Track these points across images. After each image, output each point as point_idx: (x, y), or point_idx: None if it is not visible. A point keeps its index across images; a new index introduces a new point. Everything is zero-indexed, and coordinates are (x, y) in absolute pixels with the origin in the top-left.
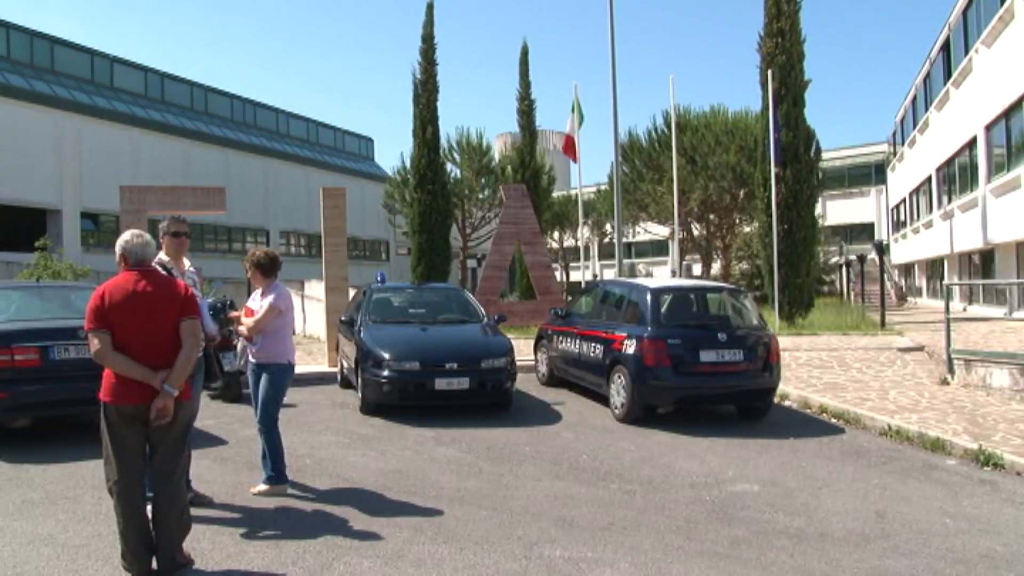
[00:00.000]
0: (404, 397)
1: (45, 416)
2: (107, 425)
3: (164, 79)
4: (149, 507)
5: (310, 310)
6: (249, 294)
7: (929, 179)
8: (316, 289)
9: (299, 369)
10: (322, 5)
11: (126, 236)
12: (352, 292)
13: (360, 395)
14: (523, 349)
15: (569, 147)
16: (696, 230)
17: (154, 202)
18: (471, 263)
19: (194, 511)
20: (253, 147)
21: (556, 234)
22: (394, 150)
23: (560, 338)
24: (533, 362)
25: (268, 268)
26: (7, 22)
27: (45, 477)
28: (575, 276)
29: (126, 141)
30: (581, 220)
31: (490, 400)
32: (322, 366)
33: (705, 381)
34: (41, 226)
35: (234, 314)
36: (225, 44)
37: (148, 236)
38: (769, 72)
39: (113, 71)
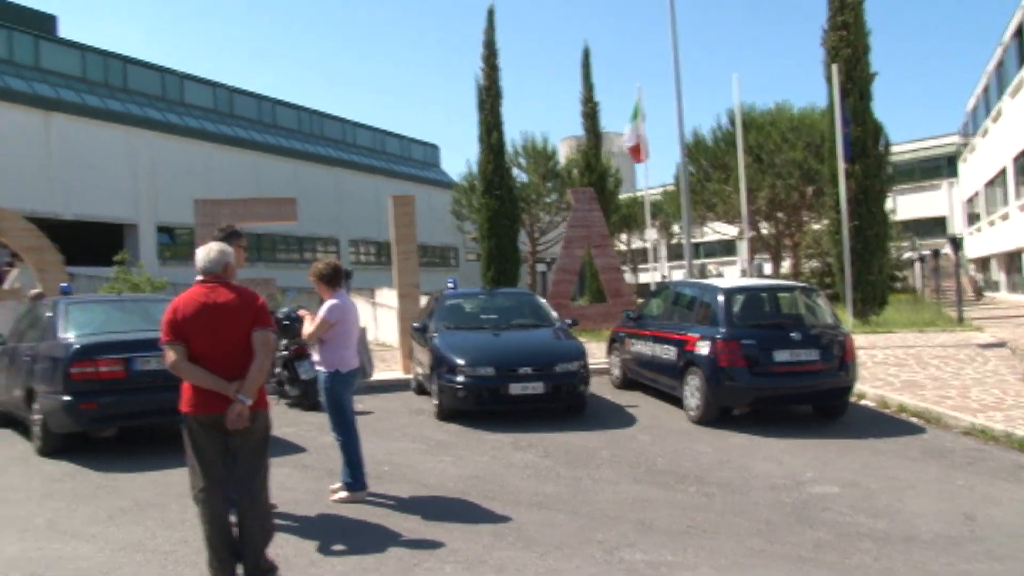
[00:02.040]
0: (479, 403)
1: (130, 426)
2: (188, 435)
3: (233, 94)
4: (233, 514)
5: (381, 317)
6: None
7: (1004, 170)
8: (387, 296)
9: (373, 376)
10: (386, 15)
11: (199, 250)
12: (424, 299)
13: (435, 401)
14: (595, 352)
15: (635, 149)
16: (764, 229)
17: (228, 214)
18: (540, 267)
19: (276, 518)
20: (321, 157)
21: (624, 236)
22: (460, 157)
23: (632, 340)
24: (606, 365)
25: (331, 279)
26: (82, 44)
27: (133, 485)
28: (644, 278)
29: (198, 155)
30: (648, 222)
31: (564, 404)
32: (396, 373)
33: (780, 381)
34: (119, 241)
35: (303, 312)
36: (292, 57)
37: (220, 248)
38: (834, 66)
39: (184, 88)
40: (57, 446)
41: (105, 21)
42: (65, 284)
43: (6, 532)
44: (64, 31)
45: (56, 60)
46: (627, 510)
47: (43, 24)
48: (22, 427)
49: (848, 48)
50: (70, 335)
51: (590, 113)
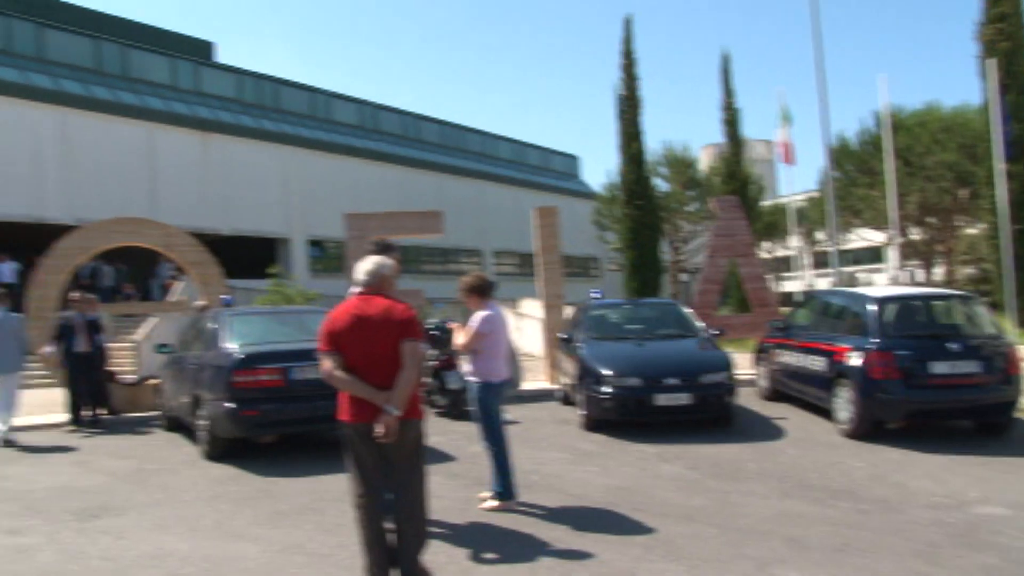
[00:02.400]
0: (625, 413)
1: (288, 433)
2: (347, 443)
3: (378, 110)
4: (390, 521)
5: (524, 328)
6: (469, 314)
7: None
8: (530, 307)
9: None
10: (525, 29)
11: (358, 263)
12: (568, 309)
13: (581, 411)
14: (741, 363)
15: (784, 152)
16: (914, 235)
17: (376, 227)
18: (683, 277)
19: (429, 526)
20: (464, 170)
21: (767, 245)
22: (599, 167)
23: (780, 351)
24: (752, 376)
25: (481, 291)
26: (238, 68)
27: (291, 490)
28: (787, 287)
29: (346, 171)
30: (792, 229)
31: (711, 415)
32: (541, 383)
33: (938, 395)
34: (273, 254)
35: (454, 325)
36: (434, 73)
37: (376, 261)
38: (990, 62)
39: (332, 106)
40: (221, 450)
41: (259, 46)
42: (227, 296)
43: (180, 531)
44: (221, 57)
45: (214, 84)
46: (777, 525)
47: (202, 51)
48: (188, 431)
49: (1006, 41)
50: (233, 345)
51: (730, 119)
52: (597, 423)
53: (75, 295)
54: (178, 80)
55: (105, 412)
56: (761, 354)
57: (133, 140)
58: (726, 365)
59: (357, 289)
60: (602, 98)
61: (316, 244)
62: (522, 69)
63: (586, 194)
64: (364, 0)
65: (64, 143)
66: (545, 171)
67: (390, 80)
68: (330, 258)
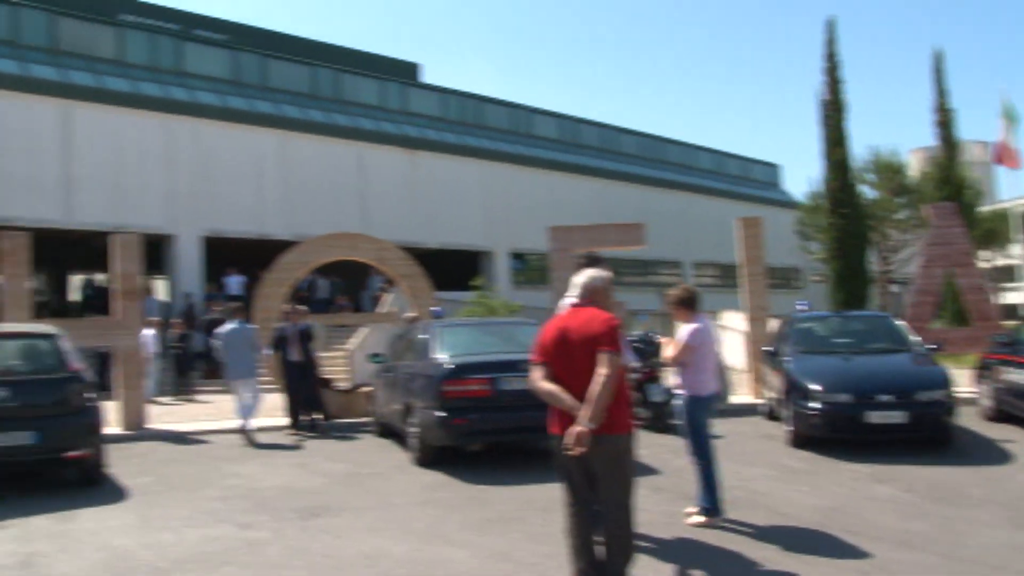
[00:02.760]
0: (834, 430)
1: (495, 442)
2: (556, 454)
3: (578, 123)
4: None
5: (726, 340)
6: (673, 326)
7: None
8: (732, 319)
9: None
10: (721, 38)
11: (575, 276)
12: (773, 322)
13: (787, 427)
14: (960, 380)
15: (1006, 155)
16: None
17: (579, 240)
18: (893, 288)
19: (636, 540)
20: (664, 181)
21: (986, 253)
22: (802, 175)
23: (1005, 368)
24: (973, 394)
25: (689, 303)
26: (442, 87)
27: (499, 498)
28: (1010, 299)
29: (546, 184)
30: (1015, 236)
31: (927, 435)
32: (745, 397)
33: None
34: (476, 267)
35: (663, 339)
36: (632, 84)
37: (589, 274)
38: None
39: (532, 121)
40: (431, 457)
41: (462, 65)
42: (437, 308)
43: (393, 533)
44: (427, 77)
45: (420, 103)
46: (1009, 558)
47: (408, 72)
48: (399, 438)
49: None
50: (443, 356)
51: (944, 121)
52: (804, 440)
53: (287, 307)
54: (387, 101)
55: (321, 417)
56: (984, 371)
57: (345, 159)
58: (944, 382)
59: (570, 301)
60: (804, 104)
61: (518, 257)
62: (720, 77)
63: (788, 203)
64: (563, 16)
65: (284, 164)
66: (745, 181)
67: (589, 93)
68: (531, 270)
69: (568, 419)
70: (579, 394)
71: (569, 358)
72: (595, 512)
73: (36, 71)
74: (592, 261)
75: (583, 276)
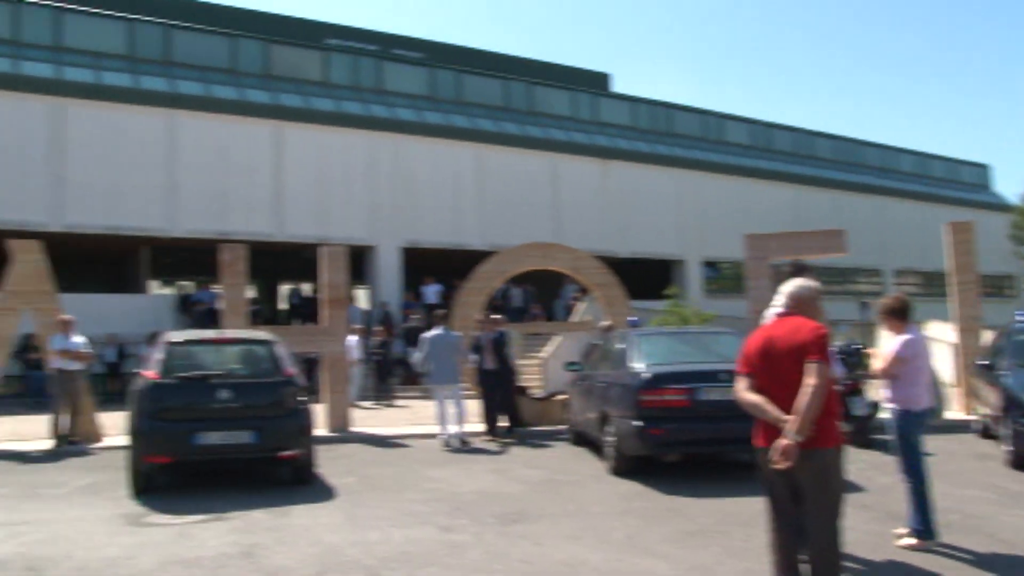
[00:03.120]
0: None
1: (693, 453)
2: (760, 467)
3: (770, 128)
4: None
5: (932, 352)
6: (878, 336)
7: None
8: (938, 330)
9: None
10: (920, 35)
11: (782, 286)
12: (986, 333)
13: (1005, 447)
14: None
15: None
16: None
17: (776, 248)
18: None
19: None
20: (861, 186)
21: None
22: (1016, 176)
23: None
24: None
25: (901, 314)
26: (632, 96)
27: (697, 510)
28: None
29: (738, 191)
30: None
31: None
32: (954, 413)
33: None
34: (667, 276)
35: (870, 350)
36: (825, 87)
37: (797, 283)
38: None
39: (723, 127)
40: (627, 467)
41: (652, 73)
42: (634, 318)
43: (591, 542)
44: (617, 86)
45: (611, 113)
46: None
47: (598, 82)
48: (594, 446)
49: None
50: (640, 365)
51: None
52: None
53: (480, 316)
54: (578, 111)
55: (517, 424)
56: None
57: (539, 170)
58: None
59: (776, 311)
60: (1016, 100)
61: (710, 265)
62: (922, 76)
63: (1000, 206)
64: (752, 20)
65: (479, 175)
66: (952, 183)
67: (782, 97)
68: (724, 279)
69: (774, 432)
70: (785, 406)
71: (775, 369)
72: (800, 529)
73: (251, 95)
74: (799, 270)
75: (789, 285)
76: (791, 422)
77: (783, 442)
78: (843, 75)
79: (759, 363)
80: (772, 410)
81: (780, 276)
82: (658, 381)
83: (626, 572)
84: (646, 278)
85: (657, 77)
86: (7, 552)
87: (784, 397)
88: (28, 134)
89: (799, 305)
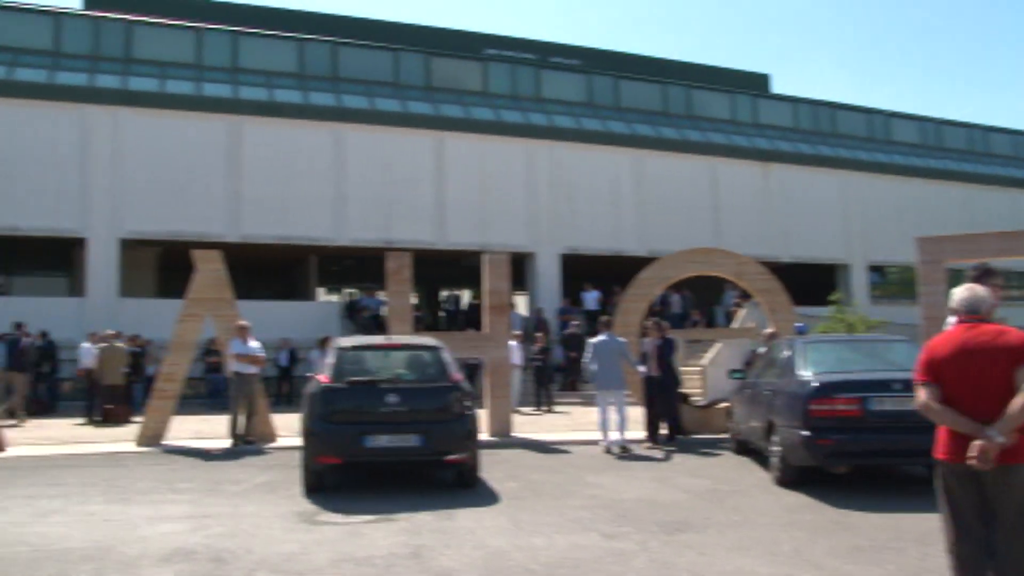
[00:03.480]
0: None
1: (862, 465)
2: (941, 482)
3: (940, 126)
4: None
5: None
6: None
7: None
8: None
9: None
10: None
11: (955, 290)
12: None
13: None
14: None
15: None
16: None
17: (951, 251)
18: None
19: None
20: None
21: None
22: None
23: None
24: None
25: None
26: (793, 96)
27: (867, 524)
28: None
29: (906, 192)
30: None
31: None
32: None
33: None
34: (831, 281)
35: None
36: (1000, 80)
37: (971, 288)
38: None
39: (890, 126)
40: (793, 477)
41: (813, 72)
42: (800, 324)
43: (758, 554)
44: (776, 87)
45: (771, 114)
46: None
47: (758, 83)
48: (758, 455)
49: None
50: (808, 373)
51: None
52: None
53: (648, 323)
54: (738, 114)
55: (678, 432)
56: None
57: (698, 174)
58: None
59: (955, 318)
60: None
61: (876, 269)
62: None
63: None
64: (915, 13)
65: (637, 181)
66: None
67: (952, 92)
68: (891, 284)
69: (960, 443)
70: (982, 416)
71: (971, 377)
72: (989, 550)
73: (413, 107)
74: (984, 273)
75: (964, 290)
76: (997, 423)
77: (986, 441)
78: (1019, 66)
79: (949, 371)
80: (964, 420)
81: (965, 280)
82: (828, 390)
83: None
84: (808, 283)
85: (818, 76)
86: (194, 543)
87: (982, 408)
88: (209, 151)
89: (987, 311)
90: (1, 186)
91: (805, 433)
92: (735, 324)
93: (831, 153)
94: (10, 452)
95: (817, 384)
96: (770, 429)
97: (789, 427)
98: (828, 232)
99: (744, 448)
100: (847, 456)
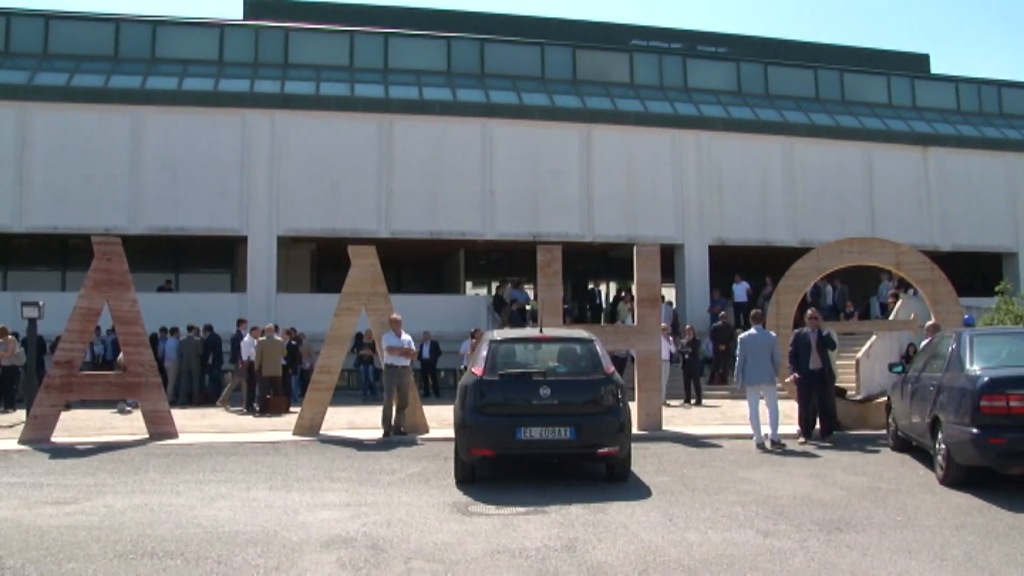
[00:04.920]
0: None
1: None
2: None
3: None
4: None
5: None
6: None
7: None
8: None
9: None
10: None
11: None
12: None
13: None
14: None
15: None
16: None
17: None
18: None
19: None
20: None
21: None
22: None
23: None
24: None
25: None
26: (954, 76)
27: None
28: None
29: None
30: None
31: None
32: None
33: None
34: (997, 270)
35: None
36: None
37: None
38: None
39: None
40: (960, 477)
41: (975, 51)
42: (968, 316)
43: (926, 558)
44: (936, 68)
45: (931, 96)
46: None
47: (916, 64)
48: (919, 453)
49: None
50: (978, 367)
51: None
52: None
53: (811, 312)
54: (894, 97)
55: (834, 428)
56: None
57: (852, 161)
58: None
59: None
60: None
61: None
62: None
63: None
64: None
65: (788, 170)
66: None
67: None
68: None
69: None
70: None
71: None
72: None
73: (560, 100)
74: None
75: None
76: None
77: None
78: None
79: None
80: None
81: None
82: (1001, 385)
83: None
84: (972, 273)
85: (981, 54)
86: (353, 530)
87: None
88: (362, 150)
89: None
90: (170, 190)
91: (975, 431)
92: (891, 316)
93: (996, 135)
94: (181, 439)
95: (988, 379)
96: (935, 426)
97: (957, 424)
98: (994, 218)
99: (904, 445)
100: (1021, 456)
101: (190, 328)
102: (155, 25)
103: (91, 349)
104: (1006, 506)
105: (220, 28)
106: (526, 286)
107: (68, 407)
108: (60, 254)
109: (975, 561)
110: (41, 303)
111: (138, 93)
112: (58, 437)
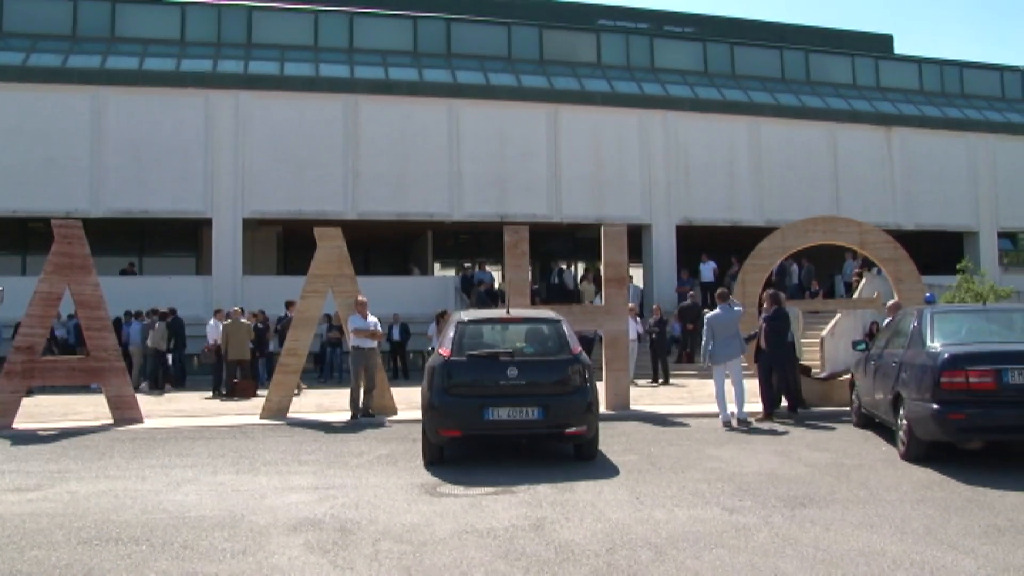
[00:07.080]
0: None
1: (996, 440)
2: None
3: None
4: None
5: None
6: None
7: None
8: None
9: None
10: None
11: None
12: None
13: None
14: None
15: None
16: None
17: None
18: None
19: None
20: None
21: None
22: None
23: None
24: None
25: None
26: (917, 57)
27: (1004, 503)
28: None
29: None
30: None
31: None
32: None
33: None
34: (957, 249)
35: None
36: None
37: None
38: None
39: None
40: (921, 453)
41: (938, 32)
42: (928, 294)
43: (887, 531)
44: (900, 48)
45: (895, 77)
46: None
47: (881, 45)
48: (881, 429)
49: None
50: (938, 344)
51: None
52: None
53: (768, 293)
54: (858, 77)
55: (799, 405)
56: None
57: (817, 141)
58: None
59: None
60: None
61: (1007, 236)
62: None
63: None
64: None
65: (754, 150)
66: None
67: None
68: (1022, 251)
69: None
70: None
71: None
72: None
73: (527, 80)
74: None
75: None
76: None
77: None
78: None
79: None
80: None
81: None
82: (960, 361)
83: (927, 566)
84: (934, 252)
85: (944, 35)
86: (321, 513)
87: None
88: (327, 131)
89: None
90: (132, 171)
91: (935, 406)
92: (855, 294)
93: (958, 115)
94: (147, 424)
95: (948, 356)
96: (897, 402)
97: (918, 400)
98: (955, 198)
99: (867, 421)
100: (980, 431)
101: (154, 311)
102: (115, 2)
103: (53, 334)
104: (964, 480)
105: (182, 6)
106: (488, 267)
107: (31, 393)
108: (20, 238)
109: (935, 534)
110: (1, 288)
111: (98, 73)
112: (20, 423)
